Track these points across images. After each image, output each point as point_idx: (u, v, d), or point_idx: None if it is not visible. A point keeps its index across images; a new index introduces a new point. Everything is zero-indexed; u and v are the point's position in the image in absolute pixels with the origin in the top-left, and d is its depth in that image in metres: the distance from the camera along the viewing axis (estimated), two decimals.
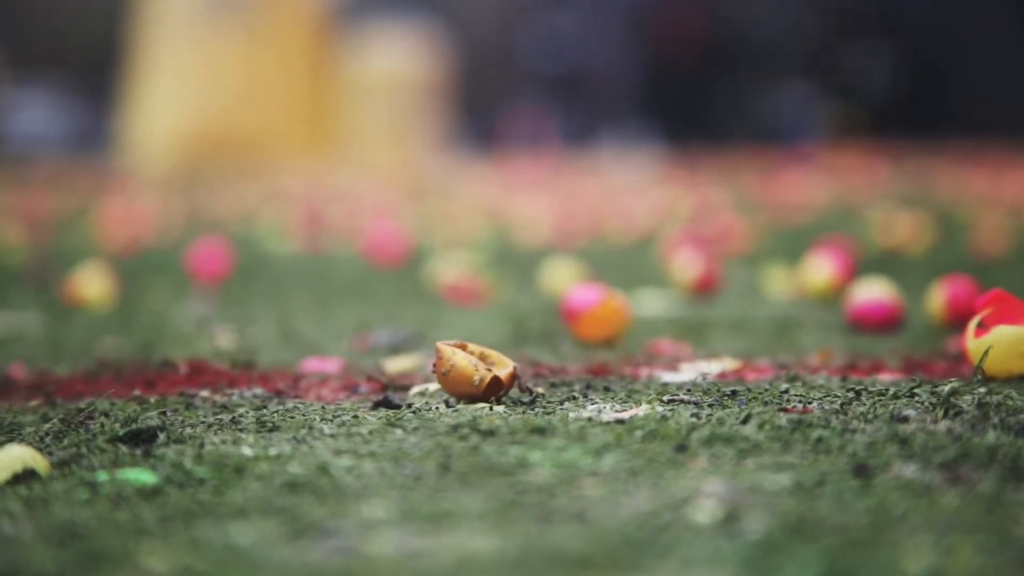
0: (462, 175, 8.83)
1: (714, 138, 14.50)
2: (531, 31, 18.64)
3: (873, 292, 1.94)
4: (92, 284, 2.39)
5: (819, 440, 1.07)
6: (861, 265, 2.59)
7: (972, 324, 1.33)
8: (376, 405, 1.29)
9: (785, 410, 1.19)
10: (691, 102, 15.16)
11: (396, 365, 1.59)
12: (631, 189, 6.33)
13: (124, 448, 1.11)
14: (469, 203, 5.49)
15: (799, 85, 16.34)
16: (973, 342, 1.32)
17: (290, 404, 1.32)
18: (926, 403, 1.20)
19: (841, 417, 1.14)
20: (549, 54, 18.54)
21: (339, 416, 1.22)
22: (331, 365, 1.62)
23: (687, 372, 1.50)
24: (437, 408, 1.25)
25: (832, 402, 1.22)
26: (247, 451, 1.09)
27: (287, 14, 15.05)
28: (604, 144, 16.43)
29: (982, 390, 1.24)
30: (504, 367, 1.28)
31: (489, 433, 1.12)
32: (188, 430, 1.17)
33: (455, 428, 1.13)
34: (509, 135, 18.75)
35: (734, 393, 1.30)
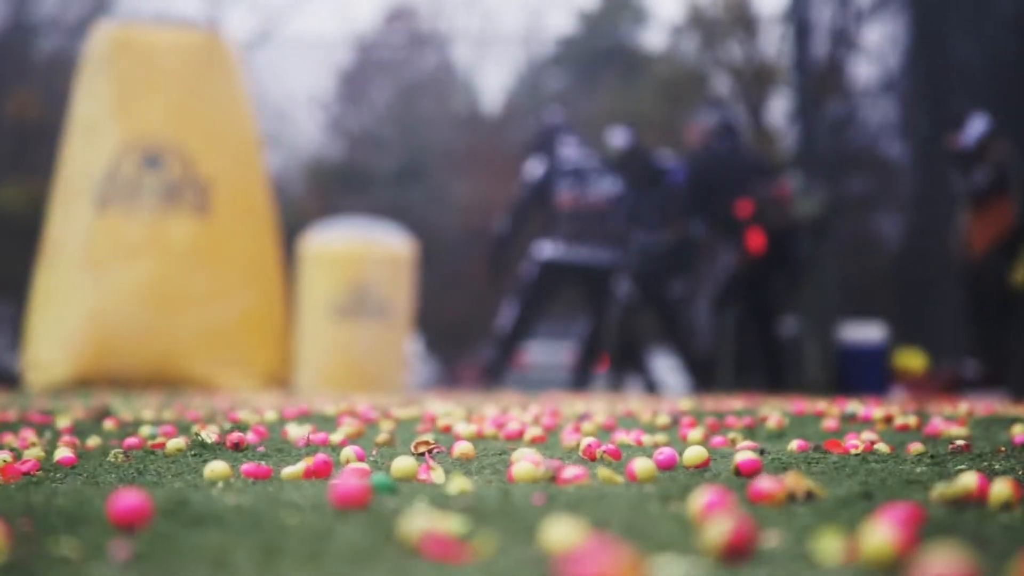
0: (434, 405, 8.82)
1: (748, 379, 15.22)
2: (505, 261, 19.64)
3: (942, 559, 1.84)
4: None
5: None
6: (927, 526, 2.47)
7: None
8: None
9: None
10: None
11: None
12: (648, 428, 6.27)
13: None
14: (446, 434, 5.41)
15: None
16: None
17: None
18: None
19: None
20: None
21: None
22: None
23: None
24: None
25: None
26: None
27: None
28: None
29: None
30: None
31: None
32: None
33: None
34: (465, 375, 19.87)
35: None
